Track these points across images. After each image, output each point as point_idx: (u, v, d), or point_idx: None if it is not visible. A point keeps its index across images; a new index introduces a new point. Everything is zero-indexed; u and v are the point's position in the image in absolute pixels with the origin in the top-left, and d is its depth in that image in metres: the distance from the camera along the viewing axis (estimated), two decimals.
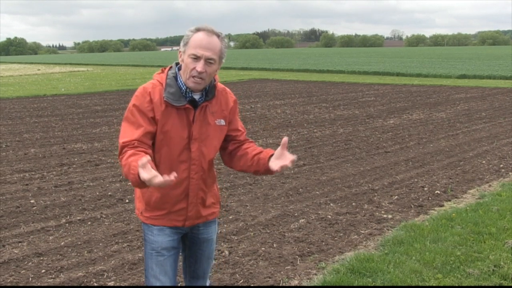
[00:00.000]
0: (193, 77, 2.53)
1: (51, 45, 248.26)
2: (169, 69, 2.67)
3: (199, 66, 2.50)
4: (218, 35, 2.55)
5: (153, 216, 2.71)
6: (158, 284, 2.72)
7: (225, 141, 2.79)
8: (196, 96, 2.63)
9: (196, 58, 2.50)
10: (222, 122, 2.71)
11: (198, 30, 2.54)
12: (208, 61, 2.52)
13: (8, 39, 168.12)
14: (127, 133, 2.52)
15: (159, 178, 2.18)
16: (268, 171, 2.59)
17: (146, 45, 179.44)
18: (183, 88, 2.59)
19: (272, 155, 2.61)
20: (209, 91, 2.66)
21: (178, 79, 2.61)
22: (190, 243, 2.88)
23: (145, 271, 2.80)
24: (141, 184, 2.27)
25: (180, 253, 2.93)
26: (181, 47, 2.60)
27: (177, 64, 2.68)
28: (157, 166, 2.59)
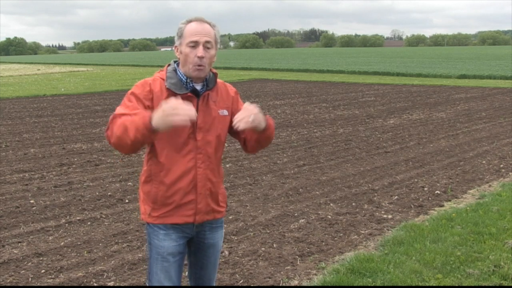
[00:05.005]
0: (195, 64, 2.57)
1: (50, 45, 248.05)
2: (167, 66, 2.71)
3: (199, 51, 2.56)
4: (209, 23, 2.64)
5: (162, 214, 2.66)
6: None
7: (242, 132, 2.72)
8: (198, 86, 2.66)
9: (194, 45, 2.56)
10: (225, 112, 2.73)
11: (189, 21, 2.62)
12: (206, 45, 2.58)
13: (8, 39, 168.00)
14: (123, 110, 2.53)
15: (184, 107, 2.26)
16: (256, 131, 2.60)
17: (146, 45, 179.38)
18: (184, 79, 2.63)
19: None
20: (209, 81, 2.70)
21: (178, 72, 2.65)
22: (195, 249, 2.84)
23: (148, 274, 2.77)
24: (149, 128, 2.30)
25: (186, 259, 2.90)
26: (176, 42, 2.65)
27: (175, 61, 2.72)
28: (160, 155, 2.60)
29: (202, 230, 2.77)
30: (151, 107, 2.54)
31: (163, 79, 2.63)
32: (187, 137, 2.61)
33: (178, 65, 2.69)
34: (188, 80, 2.63)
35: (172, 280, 2.71)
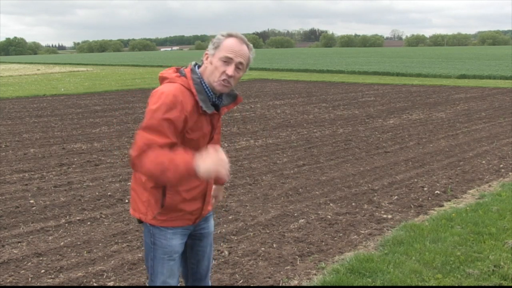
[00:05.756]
0: (223, 80, 2.54)
1: (50, 45, 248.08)
2: (191, 72, 2.60)
3: (230, 70, 2.52)
4: (247, 45, 2.60)
5: (170, 218, 2.69)
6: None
7: None
8: (215, 99, 2.67)
9: (228, 61, 2.52)
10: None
11: (230, 35, 2.56)
12: (238, 65, 2.55)
13: (8, 39, 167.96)
14: (156, 137, 2.42)
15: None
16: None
17: (145, 45, 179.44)
18: (210, 95, 2.60)
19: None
20: (225, 97, 2.71)
21: (204, 85, 2.59)
22: (192, 242, 2.89)
23: (151, 274, 2.77)
24: (193, 175, 2.35)
25: None
26: (209, 50, 2.58)
27: (195, 64, 2.66)
28: None
29: (199, 222, 2.88)
30: (183, 127, 2.50)
31: (190, 91, 2.52)
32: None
33: (198, 67, 2.63)
34: (213, 96, 2.61)
35: (175, 277, 2.78)
